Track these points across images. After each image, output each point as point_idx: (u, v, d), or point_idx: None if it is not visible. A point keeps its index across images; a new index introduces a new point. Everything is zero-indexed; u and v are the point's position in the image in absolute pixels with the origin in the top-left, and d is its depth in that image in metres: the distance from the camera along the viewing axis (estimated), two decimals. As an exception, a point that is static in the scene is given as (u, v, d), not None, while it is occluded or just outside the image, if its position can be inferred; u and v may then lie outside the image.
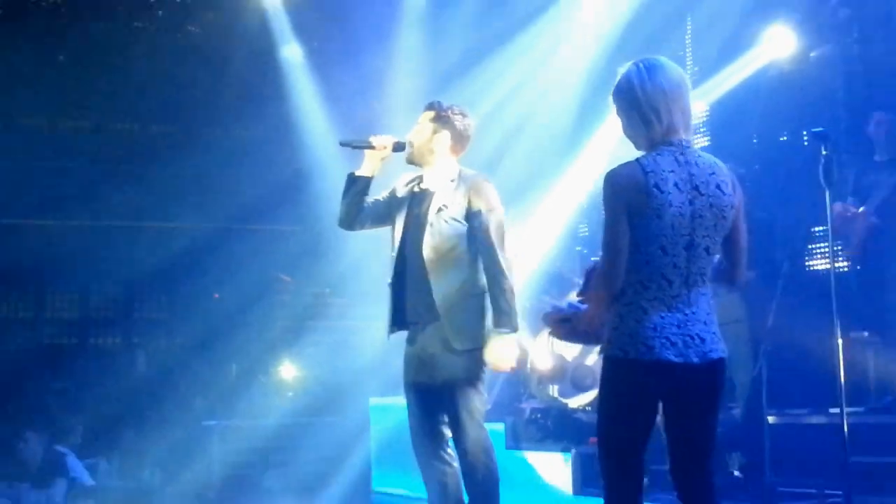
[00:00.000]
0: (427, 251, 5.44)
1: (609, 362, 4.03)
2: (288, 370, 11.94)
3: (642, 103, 4.00)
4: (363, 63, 11.17)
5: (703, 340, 3.96)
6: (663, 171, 3.92)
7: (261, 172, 11.91)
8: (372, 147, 5.64)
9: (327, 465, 9.67)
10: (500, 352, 5.38)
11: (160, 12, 12.54)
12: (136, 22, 12.46)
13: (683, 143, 4.01)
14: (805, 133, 8.79)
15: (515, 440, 8.50)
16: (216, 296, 13.27)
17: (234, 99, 12.71)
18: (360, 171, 5.65)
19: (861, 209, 7.99)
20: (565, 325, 4.26)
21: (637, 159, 3.98)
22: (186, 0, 12.46)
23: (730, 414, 7.44)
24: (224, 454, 10.87)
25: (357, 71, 11.10)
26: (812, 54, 9.56)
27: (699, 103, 10.12)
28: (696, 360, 3.93)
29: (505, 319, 5.39)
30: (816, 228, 9.03)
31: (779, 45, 9.25)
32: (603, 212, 4.00)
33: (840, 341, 5.62)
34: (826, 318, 5.80)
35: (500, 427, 8.63)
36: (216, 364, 11.71)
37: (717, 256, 4.07)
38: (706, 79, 9.93)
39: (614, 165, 4.02)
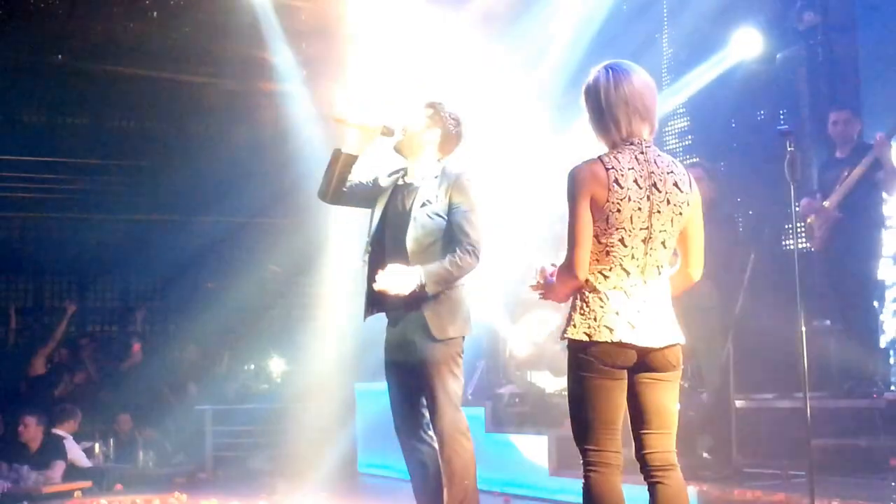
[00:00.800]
0: (410, 244, 5.37)
1: (574, 347, 4.07)
2: (277, 357, 11.95)
3: (605, 110, 4.09)
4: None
5: (660, 326, 4.06)
6: (623, 168, 4.01)
7: (254, 168, 11.87)
8: (363, 127, 5.54)
9: (315, 447, 9.66)
10: (399, 278, 5.21)
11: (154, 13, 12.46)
12: (132, 22, 12.37)
13: (644, 143, 4.09)
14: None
15: (495, 424, 8.51)
16: (209, 285, 13.24)
17: (228, 99, 12.69)
18: (347, 148, 5.57)
19: (826, 203, 8.02)
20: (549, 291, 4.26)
21: (599, 157, 4.06)
22: (180, 2, 12.36)
23: (699, 398, 7.44)
24: (215, 437, 10.87)
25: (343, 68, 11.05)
26: (778, 56, 9.60)
27: (676, 98, 10.18)
28: (654, 343, 4.02)
29: (434, 274, 5.26)
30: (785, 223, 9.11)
31: (747, 46, 9.29)
32: (567, 207, 4.04)
33: (804, 329, 5.62)
34: (791, 308, 5.82)
35: (480, 411, 8.65)
36: (208, 350, 11.68)
37: (673, 250, 4.13)
38: (679, 77, 9.99)
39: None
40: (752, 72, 9.67)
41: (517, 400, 8.91)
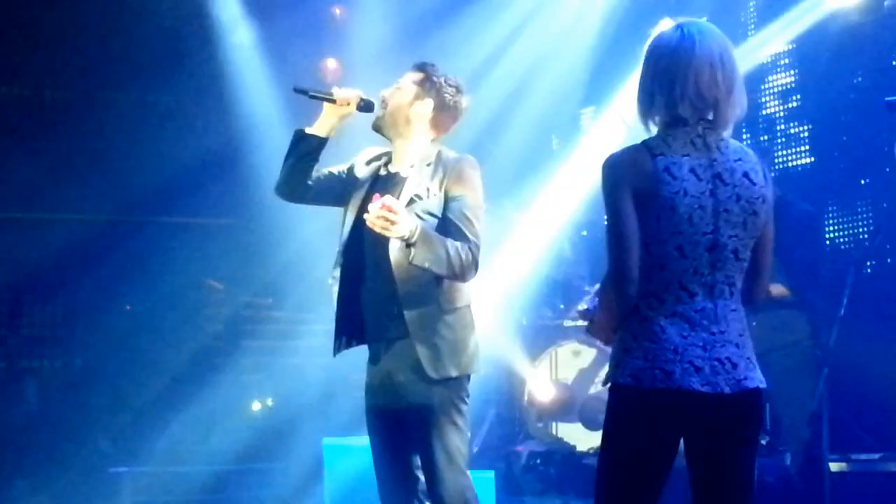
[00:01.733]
0: (395, 254, 5.31)
1: (617, 392, 4.02)
2: (220, 402, 11.93)
3: (663, 79, 4.04)
4: (313, 7, 11.22)
5: (734, 366, 3.98)
6: (676, 153, 3.97)
7: (182, 149, 11.86)
8: (333, 100, 5.54)
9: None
10: (394, 215, 5.10)
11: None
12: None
13: (703, 124, 4.03)
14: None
15: (509, 492, 8.54)
16: (127, 307, 13.25)
17: (148, 56, 12.71)
18: (312, 129, 5.57)
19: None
20: (594, 327, 4.26)
21: (643, 141, 4.02)
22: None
23: (780, 459, 7.48)
24: (137, 509, 10.88)
25: (305, 16, 11.12)
26: (887, 2, 9.63)
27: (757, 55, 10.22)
28: (726, 389, 3.94)
29: (430, 239, 5.23)
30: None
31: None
32: (604, 206, 4.00)
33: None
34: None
35: (489, 475, 8.67)
36: (127, 395, 11.68)
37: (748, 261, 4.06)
38: (761, 28, 10.03)
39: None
40: (852, 24, 9.71)
41: (538, 461, 8.94)
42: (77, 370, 13.56)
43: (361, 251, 5.47)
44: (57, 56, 12.85)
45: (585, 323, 4.35)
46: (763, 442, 7.73)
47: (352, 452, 8.13)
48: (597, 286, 4.30)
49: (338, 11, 11.24)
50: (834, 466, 7.64)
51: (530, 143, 10.00)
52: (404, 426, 5.43)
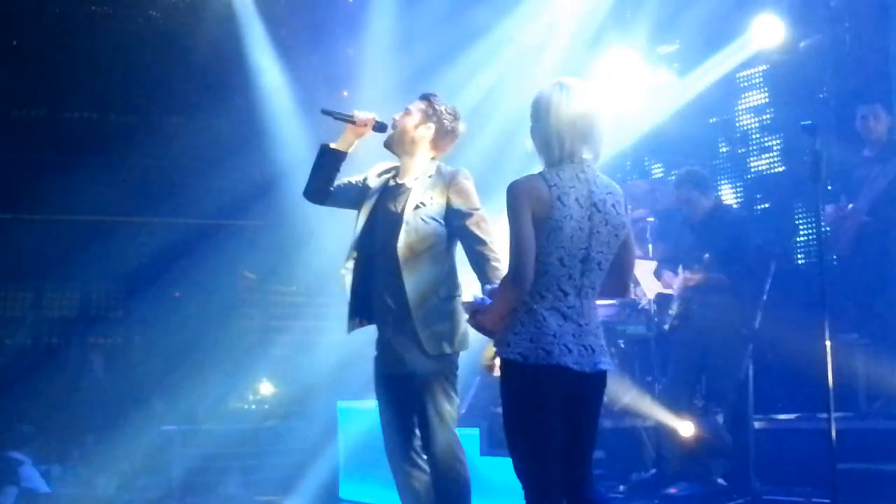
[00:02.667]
0: (402, 249, 5.40)
1: (509, 367, 4.20)
2: (253, 372, 11.96)
3: (552, 126, 4.30)
4: (333, 51, 11.21)
5: (593, 351, 4.24)
6: (566, 185, 4.22)
7: (227, 164, 11.86)
8: (353, 121, 5.63)
9: (293, 471, 9.67)
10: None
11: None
12: (94, 5, 12.43)
13: (585, 161, 4.29)
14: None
15: (491, 446, 8.54)
16: (176, 294, 13.22)
17: (199, 88, 12.73)
18: (335, 144, 5.66)
19: (851, 206, 8.06)
20: (479, 317, 4.36)
21: (541, 173, 4.26)
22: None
23: (714, 419, 7.50)
24: (185, 460, 10.87)
25: (327, 60, 11.12)
26: (802, 44, 9.64)
27: (687, 92, 10.25)
28: (587, 369, 4.21)
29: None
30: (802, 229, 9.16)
31: (767, 34, 9.30)
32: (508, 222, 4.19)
33: (829, 343, 5.68)
34: (815, 320, 5.87)
35: (475, 432, 8.68)
36: (175, 366, 11.67)
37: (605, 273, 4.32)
38: (694, 67, 10.03)
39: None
40: (772, 62, 9.74)
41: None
42: (135, 346, 13.58)
43: (371, 246, 5.54)
44: (120, 86, 12.86)
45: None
46: (699, 405, 7.77)
47: (362, 414, 8.16)
48: (487, 286, 4.54)
49: (350, 52, 11.24)
50: (757, 424, 7.68)
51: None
52: (406, 392, 5.48)
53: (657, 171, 11.07)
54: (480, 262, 5.36)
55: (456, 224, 5.44)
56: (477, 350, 9.03)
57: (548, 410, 4.19)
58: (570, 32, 9.91)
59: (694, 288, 7.46)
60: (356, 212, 5.67)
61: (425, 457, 5.53)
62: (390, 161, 5.74)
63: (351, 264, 5.58)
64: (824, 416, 5.71)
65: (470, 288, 4.88)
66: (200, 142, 12.65)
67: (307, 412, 10.39)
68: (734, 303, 7.44)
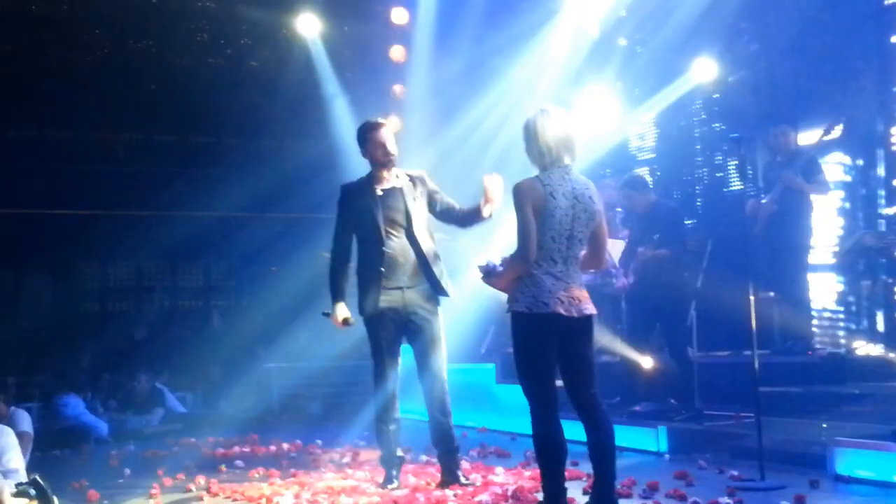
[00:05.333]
0: (420, 233, 5.49)
1: (518, 317, 4.32)
2: (329, 325, 11.93)
3: (540, 142, 4.37)
4: (385, 88, 11.16)
5: (579, 301, 4.33)
6: (555, 184, 4.31)
7: (308, 174, 11.83)
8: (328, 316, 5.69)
9: (363, 398, 9.65)
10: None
11: (228, 51, 12.52)
12: (210, 58, 12.44)
13: (567, 166, 4.38)
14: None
15: (504, 376, 8.49)
16: (273, 269, 13.23)
17: (286, 118, 12.75)
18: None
19: (764, 200, 8.02)
20: (490, 278, 4.44)
21: (537, 176, 4.36)
22: (248, 41, 12.43)
23: (666, 355, 7.41)
24: (281, 388, 10.89)
25: (379, 94, 11.05)
26: (730, 79, 9.53)
27: (643, 118, 10.14)
28: (575, 314, 4.29)
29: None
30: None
31: (704, 72, 9.21)
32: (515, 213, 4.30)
33: (752, 299, 5.59)
34: (742, 282, 5.80)
35: (492, 367, 8.63)
36: (272, 321, 11.66)
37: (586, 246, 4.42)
38: (646, 100, 9.91)
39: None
40: (708, 93, 9.63)
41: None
42: (243, 307, 13.63)
43: (396, 243, 5.52)
44: (230, 117, 12.88)
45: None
46: (654, 345, 7.68)
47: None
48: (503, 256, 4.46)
49: (398, 89, 11.16)
50: (699, 359, 7.59)
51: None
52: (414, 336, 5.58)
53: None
54: (454, 206, 5.61)
55: (436, 197, 5.61)
56: (492, 307, 9.05)
57: (547, 346, 4.29)
58: (557, 72, 9.81)
59: (647, 260, 7.37)
60: (369, 227, 5.55)
61: None
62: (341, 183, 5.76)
63: (384, 262, 5.49)
64: (749, 352, 5.63)
65: (483, 254, 4.81)
66: (288, 157, 12.67)
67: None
68: (677, 270, 7.34)
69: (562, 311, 4.24)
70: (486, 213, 5.35)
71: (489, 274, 4.43)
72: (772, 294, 8.06)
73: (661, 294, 7.20)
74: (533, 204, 4.25)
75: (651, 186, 8.08)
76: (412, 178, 5.60)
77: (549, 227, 4.26)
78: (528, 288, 4.26)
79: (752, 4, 9.16)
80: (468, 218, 5.56)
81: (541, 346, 4.29)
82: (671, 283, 7.21)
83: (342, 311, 5.60)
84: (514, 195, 4.31)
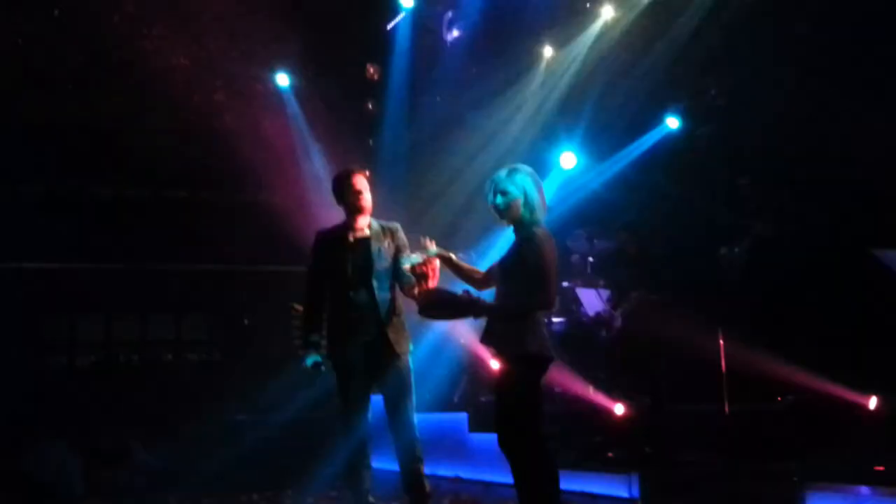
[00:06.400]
0: (379, 285, 5.48)
1: (534, 358, 4.40)
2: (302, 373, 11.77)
3: (539, 199, 4.64)
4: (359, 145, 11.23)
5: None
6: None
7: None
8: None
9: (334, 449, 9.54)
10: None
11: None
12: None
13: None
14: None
15: (477, 424, 8.44)
16: (246, 321, 13.14)
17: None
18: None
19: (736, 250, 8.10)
20: (455, 309, 4.53)
21: (544, 229, 4.61)
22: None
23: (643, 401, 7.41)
24: (252, 441, 10.67)
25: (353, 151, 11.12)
26: (697, 132, 9.68)
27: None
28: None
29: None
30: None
31: (672, 126, 9.36)
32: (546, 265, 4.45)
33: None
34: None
35: (464, 416, 8.58)
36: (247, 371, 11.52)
37: None
38: (618, 151, 10.03)
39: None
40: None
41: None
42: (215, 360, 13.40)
43: (362, 290, 5.49)
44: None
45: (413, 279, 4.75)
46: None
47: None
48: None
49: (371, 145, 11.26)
50: (674, 406, 7.57)
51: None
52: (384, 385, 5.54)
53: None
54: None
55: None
56: (463, 356, 9.04)
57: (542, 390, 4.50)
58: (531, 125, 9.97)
59: (638, 305, 7.42)
60: (340, 274, 5.54)
61: None
62: (319, 229, 5.75)
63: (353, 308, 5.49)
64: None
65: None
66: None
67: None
68: (665, 316, 7.39)
69: (553, 354, 4.47)
70: (412, 294, 5.29)
71: (466, 305, 4.39)
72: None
73: (648, 341, 7.24)
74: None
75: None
76: (384, 229, 5.63)
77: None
78: (538, 333, 4.35)
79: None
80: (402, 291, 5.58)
81: (541, 390, 4.41)
82: (657, 330, 7.25)
83: (312, 357, 5.57)
84: (544, 243, 4.42)
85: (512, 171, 4.67)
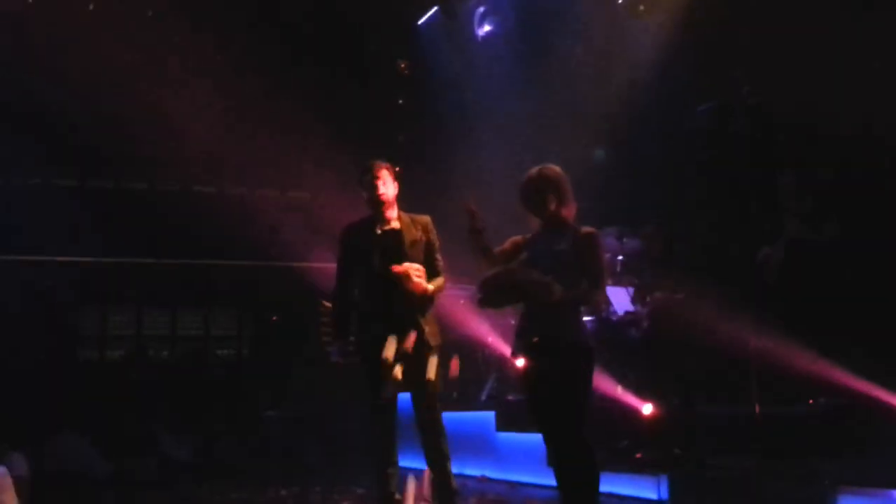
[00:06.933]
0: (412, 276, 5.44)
1: (590, 352, 4.46)
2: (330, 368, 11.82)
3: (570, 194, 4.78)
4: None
5: None
6: None
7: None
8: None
9: (361, 445, 9.55)
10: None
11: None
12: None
13: None
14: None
15: (504, 424, 8.41)
16: (274, 318, 13.18)
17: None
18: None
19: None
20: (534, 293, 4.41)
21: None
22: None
23: (673, 402, 7.34)
24: (280, 435, 10.74)
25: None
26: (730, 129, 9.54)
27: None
28: None
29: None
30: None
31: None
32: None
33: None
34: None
35: (492, 415, 8.56)
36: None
37: None
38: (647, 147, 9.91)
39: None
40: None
41: (521, 405, 8.78)
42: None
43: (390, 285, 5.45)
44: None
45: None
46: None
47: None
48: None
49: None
50: (705, 407, 7.50)
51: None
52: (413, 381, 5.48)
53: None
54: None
55: (434, 253, 5.62)
56: (493, 357, 9.02)
57: None
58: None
59: (662, 304, 7.35)
60: (367, 266, 5.55)
61: None
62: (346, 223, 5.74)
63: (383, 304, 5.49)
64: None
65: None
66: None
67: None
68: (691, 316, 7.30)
69: None
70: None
71: (543, 287, 4.35)
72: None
73: (673, 341, 7.17)
74: None
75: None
76: (414, 222, 5.62)
77: None
78: (585, 324, 4.52)
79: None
80: None
81: None
82: (684, 329, 7.18)
83: (337, 351, 5.59)
84: (600, 240, 4.58)
85: (544, 169, 4.75)
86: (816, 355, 7.68)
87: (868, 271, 7.32)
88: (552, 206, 4.66)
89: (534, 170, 4.78)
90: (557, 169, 4.79)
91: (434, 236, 5.63)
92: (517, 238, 4.89)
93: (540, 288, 4.37)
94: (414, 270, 5.33)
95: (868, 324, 7.10)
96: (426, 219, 5.68)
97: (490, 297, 4.51)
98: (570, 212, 4.74)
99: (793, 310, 7.80)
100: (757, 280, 6.59)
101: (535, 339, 4.52)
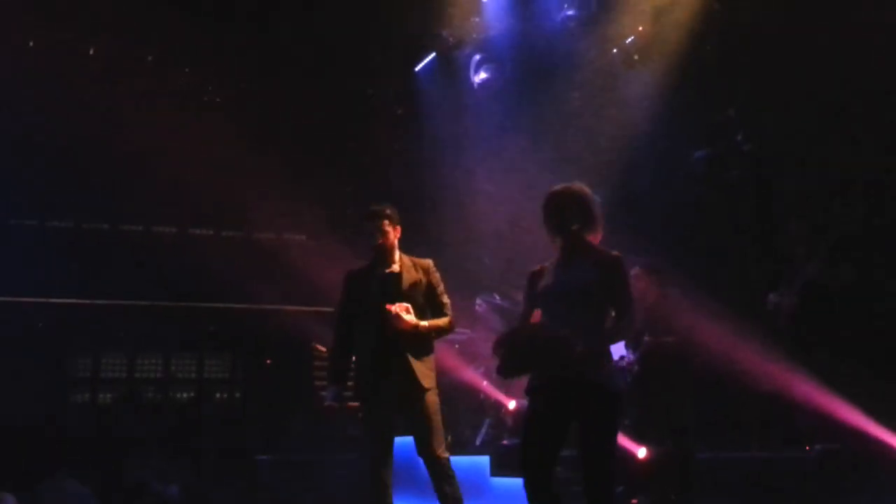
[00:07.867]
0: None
1: (621, 397, 4.15)
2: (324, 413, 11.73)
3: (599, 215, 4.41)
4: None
5: None
6: None
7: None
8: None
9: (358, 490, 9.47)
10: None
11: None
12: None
13: None
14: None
15: (499, 468, 8.37)
16: (268, 361, 13.09)
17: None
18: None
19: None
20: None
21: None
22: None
23: (666, 447, 7.31)
24: (273, 482, 10.63)
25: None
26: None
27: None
28: None
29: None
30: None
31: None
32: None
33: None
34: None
35: (486, 459, 8.51)
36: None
37: None
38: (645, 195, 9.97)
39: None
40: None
41: (515, 449, 8.74)
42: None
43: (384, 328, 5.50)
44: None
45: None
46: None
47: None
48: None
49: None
50: (700, 453, 7.47)
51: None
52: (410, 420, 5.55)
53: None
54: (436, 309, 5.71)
55: (437, 294, 5.71)
56: (486, 401, 8.98)
57: None
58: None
59: (652, 350, 7.33)
60: (366, 312, 5.61)
61: None
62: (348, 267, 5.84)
63: (379, 346, 5.53)
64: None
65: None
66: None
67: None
68: (682, 361, 7.29)
69: None
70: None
71: (569, 345, 3.97)
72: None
73: (665, 385, 7.16)
74: None
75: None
76: (416, 265, 5.69)
77: None
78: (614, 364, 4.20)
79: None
80: None
81: None
82: (676, 374, 7.17)
83: (332, 395, 5.59)
84: (626, 266, 4.23)
85: (570, 185, 4.39)
86: (831, 396, 7.70)
87: (886, 314, 7.33)
88: (574, 227, 4.25)
89: (559, 185, 4.40)
90: (585, 188, 4.37)
91: (436, 278, 5.72)
92: (536, 268, 4.46)
93: (562, 345, 3.97)
94: (403, 308, 5.38)
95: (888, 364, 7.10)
96: (428, 262, 5.77)
97: (510, 366, 4.11)
98: (595, 237, 4.31)
99: (809, 352, 7.79)
100: (762, 323, 6.57)
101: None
